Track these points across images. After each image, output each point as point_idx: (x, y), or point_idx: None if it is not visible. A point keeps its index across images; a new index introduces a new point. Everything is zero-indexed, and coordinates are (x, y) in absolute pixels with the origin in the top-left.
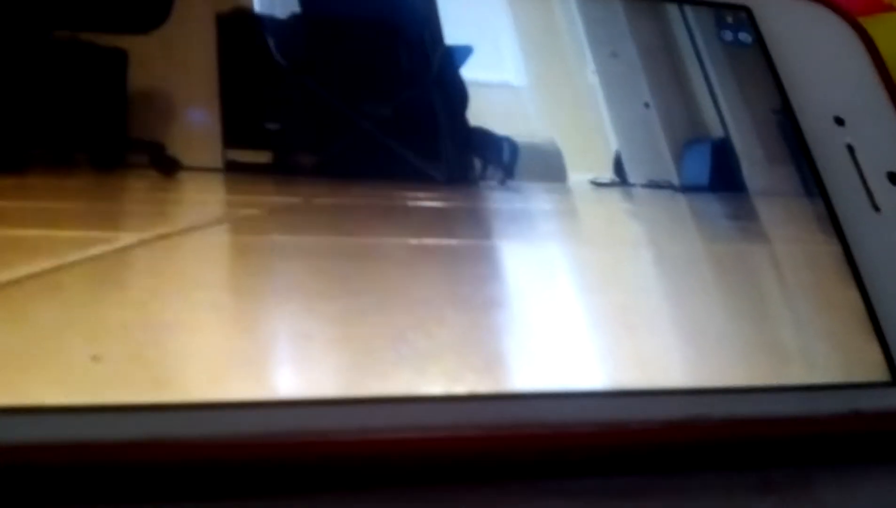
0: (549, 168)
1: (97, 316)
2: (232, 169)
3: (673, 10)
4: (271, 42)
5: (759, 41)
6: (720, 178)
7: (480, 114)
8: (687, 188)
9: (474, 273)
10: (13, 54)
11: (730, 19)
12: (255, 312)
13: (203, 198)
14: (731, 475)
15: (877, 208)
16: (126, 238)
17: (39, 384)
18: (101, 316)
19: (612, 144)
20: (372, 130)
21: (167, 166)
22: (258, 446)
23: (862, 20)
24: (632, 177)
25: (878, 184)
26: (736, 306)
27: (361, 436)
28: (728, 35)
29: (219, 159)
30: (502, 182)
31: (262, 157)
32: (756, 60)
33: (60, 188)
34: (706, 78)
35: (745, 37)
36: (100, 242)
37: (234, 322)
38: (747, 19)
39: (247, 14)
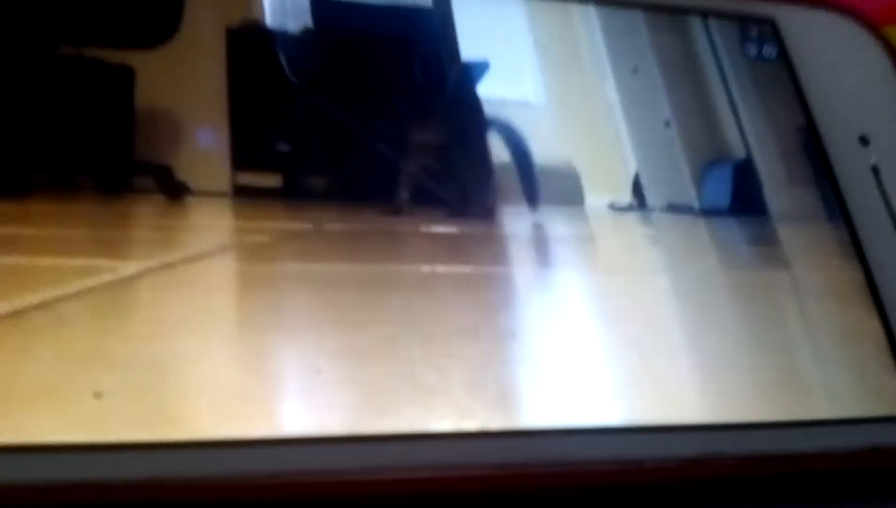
0: (566, 191)
1: (100, 350)
2: (241, 194)
3: (696, 23)
4: (283, 58)
5: (784, 55)
6: (741, 201)
7: (496, 134)
8: (707, 212)
9: (487, 302)
10: (14, 70)
11: (754, 32)
12: (263, 345)
13: (211, 224)
14: None
15: None
16: (131, 267)
17: (40, 422)
18: (104, 350)
19: (631, 164)
20: (384, 152)
21: (175, 191)
22: (264, 486)
23: (889, 29)
24: (651, 200)
25: None
26: (754, 336)
27: (370, 475)
28: (752, 49)
29: (227, 183)
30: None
31: (272, 180)
32: (780, 76)
33: (63, 214)
34: (729, 95)
35: (769, 51)
36: (103, 271)
37: (241, 357)
38: (772, 32)
39: (258, 28)
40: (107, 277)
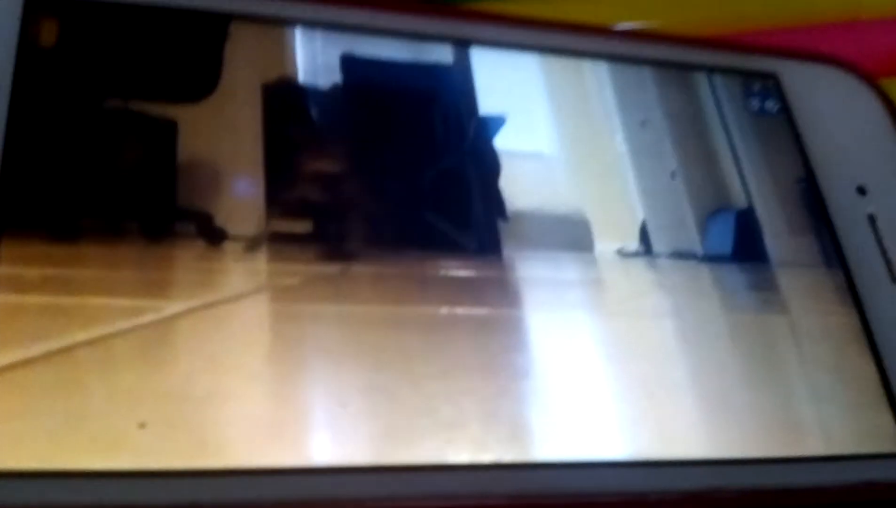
0: (577, 238)
1: (144, 384)
2: (274, 239)
3: (702, 79)
4: (314, 112)
5: (785, 109)
6: (743, 248)
7: (511, 183)
8: (710, 258)
9: (501, 343)
10: (65, 123)
11: (757, 87)
12: (293, 380)
13: (246, 267)
14: None
15: (895, 280)
16: (173, 307)
17: (87, 450)
18: (148, 384)
19: (639, 213)
20: (408, 201)
21: (214, 236)
22: None
23: (886, 82)
24: (657, 247)
25: None
26: (754, 376)
27: (392, 503)
28: (755, 103)
29: (262, 229)
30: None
31: (304, 226)
32: (782, 129)
33: (111, 257)
34: (732, 147)
35: (771, 105)
36: (148, 310)
37: (273, 391)
38: (774, 87)
39: (292, 85)
40: (151, 316)
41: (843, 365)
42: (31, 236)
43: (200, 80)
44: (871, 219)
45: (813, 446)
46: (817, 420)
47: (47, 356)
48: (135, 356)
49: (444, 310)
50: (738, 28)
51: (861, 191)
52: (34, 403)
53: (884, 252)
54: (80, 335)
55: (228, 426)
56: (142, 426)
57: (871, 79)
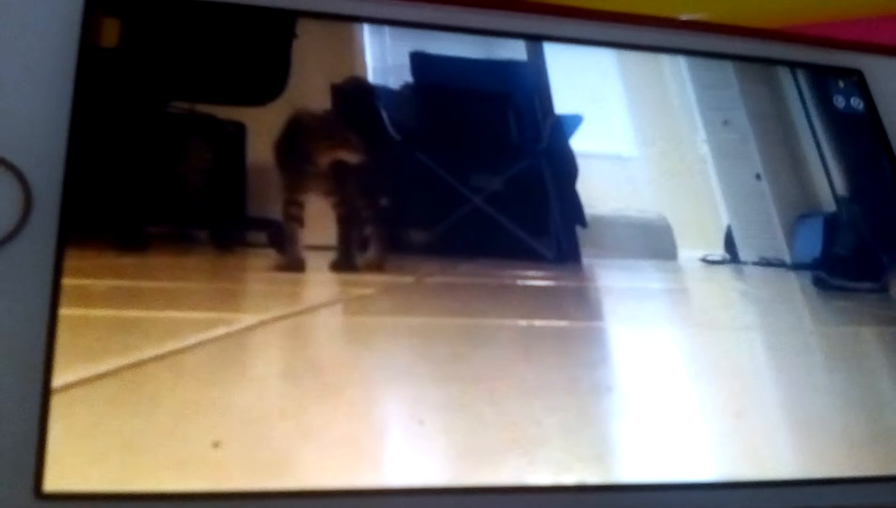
0: (659, 245)
1: (218, 401)
2: (346, 249)
3: (785, 75)
4: (384, 114)
5: (870, 106)
6: (833, 255)
7: (589, 187)
8: (799, 265)
9: (582, 357)
10: (129, 128)
11: (841, 84)
12: (368, 396)
13: (319, 278)
14: None
15: None
16: (246, 320)
17: (160, 471)
18: (222, 401)
19: (723, 218)
20: (482, 206)
21: (285, 246)
22: None
23: None
24: (743, 253)
25: None
26: (845, 391)
27: None
28: (840, 101)
29: (334, 238)
30: None
31: (375, 235)
32: (867, 126)
33: (180, 267)
34: (818, 147)
35: (856, 102)
36: (220, 323)
37: (348, 408)
38: (858, 83)
39: (362, 85)
40: (223, 329)
41: None
42: (98, 247)
43: (268, 81)
44: None
45: None
46: None
47: (116, 372)
48: (207, 372)
49: (523, 322)
50: (817, 19)
51: None
52: (104, 421)
53: None
54: (151, 350)
55: (305, 444)
56: (216, 445)
57: None
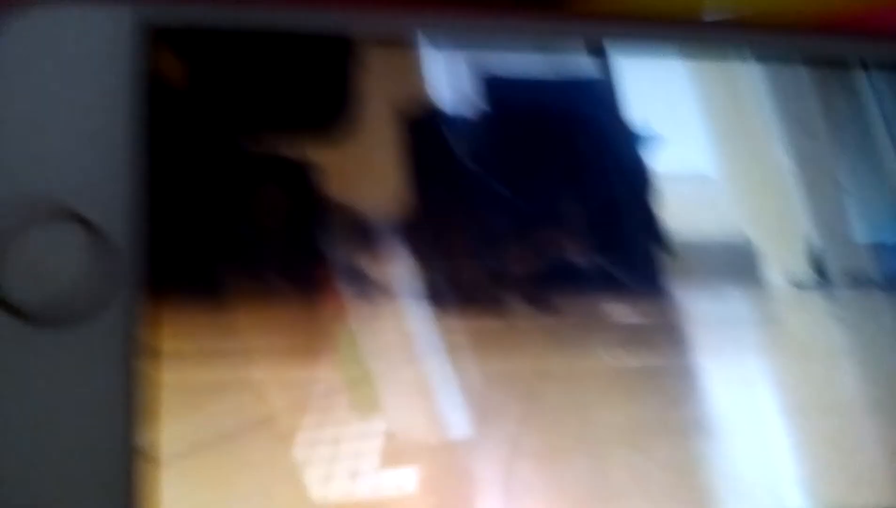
0: (747, 269)
1: None
2: (437, 290)
3: (861, 79)
4: (457, 143)
5: None
6: None
7: (672, 211)
8: (891, 286)
9: (675, 394)
10: (208, 172)
11: None
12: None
13: (397, 326)
14: None
15: None
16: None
17: None
18: None
19: (812, 237)
20: (562, 236)
21: (369, 292)
22: None
23: None
24: (832, 275)
25: None
26: None
27: None
28: None
29: (417, 278)
30: None
31: (464, 275)
32: None
33: (275, 320)
34: None
35: None
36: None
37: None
38: None
39: (433, 114)
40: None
41: None
42: (191, 304)
43: (335, 113)
44: None
45: None
46: None
47: (222, 438)
48: None
49: (611, 360)
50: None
51: None
52: (211, 494)
53: None
54: (253, 413)
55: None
56: None
57: None
